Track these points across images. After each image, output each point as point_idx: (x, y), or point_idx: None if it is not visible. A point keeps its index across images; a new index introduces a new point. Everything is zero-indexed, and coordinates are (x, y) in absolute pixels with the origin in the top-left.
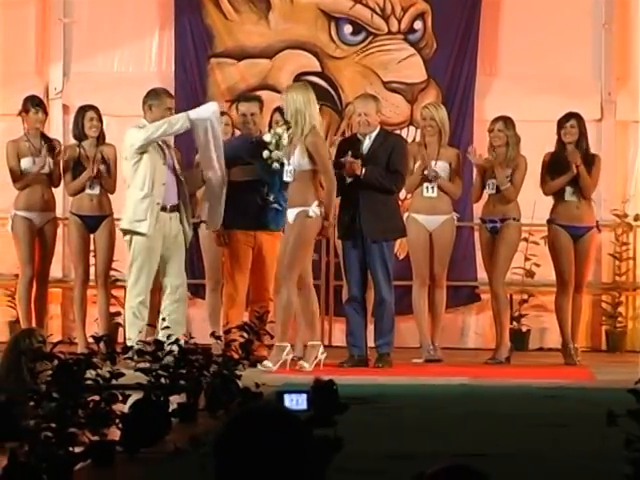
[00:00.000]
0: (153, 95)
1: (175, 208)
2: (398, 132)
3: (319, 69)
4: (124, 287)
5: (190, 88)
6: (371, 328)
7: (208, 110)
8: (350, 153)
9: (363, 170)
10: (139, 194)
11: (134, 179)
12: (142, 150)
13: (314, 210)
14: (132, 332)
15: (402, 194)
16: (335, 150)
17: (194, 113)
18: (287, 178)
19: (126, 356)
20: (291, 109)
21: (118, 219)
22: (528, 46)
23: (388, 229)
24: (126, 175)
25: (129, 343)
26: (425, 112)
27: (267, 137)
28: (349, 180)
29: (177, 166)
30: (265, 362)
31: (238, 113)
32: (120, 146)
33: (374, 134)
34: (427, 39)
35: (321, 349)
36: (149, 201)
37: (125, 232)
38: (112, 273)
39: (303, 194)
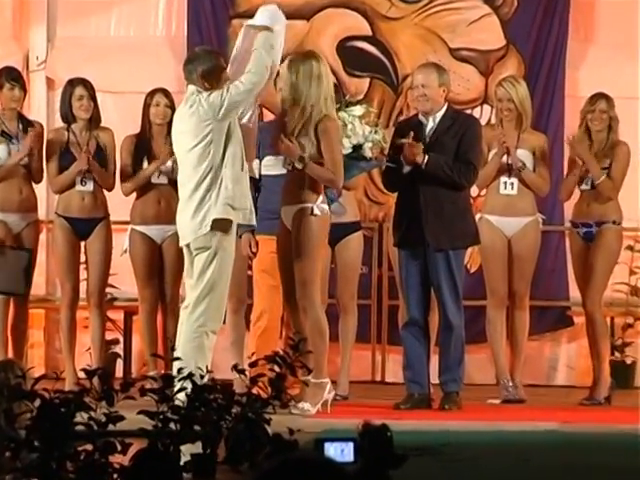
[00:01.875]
0: (202, 58)
1: None
2: (469, 112)
3: (369, 32)
4: (124, 308)
5: None
6: (435, 360)
7: (278, 16)
8: (411, 134)
9: (425, 158)
10: (239, 173)
11: (224, 158)
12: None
13: (320, 207)
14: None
15: (473, 190)
16: (391, 134)
17: (270, 20)
18: (281, 168)
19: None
20: (289, 89)
21: (117, 222)
22: (632, 5)
23: (457, 235)
24: (211, 152)
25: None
26: (500, 91)
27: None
28: (407, 169)
29: None
30: (301, 403)
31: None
32: (120, 128)
33: (440, 114)
34: None
35: (328, 387)
36: (248, 186)
37: (216, 224)
38: (108, 290)
39: (305, 188)
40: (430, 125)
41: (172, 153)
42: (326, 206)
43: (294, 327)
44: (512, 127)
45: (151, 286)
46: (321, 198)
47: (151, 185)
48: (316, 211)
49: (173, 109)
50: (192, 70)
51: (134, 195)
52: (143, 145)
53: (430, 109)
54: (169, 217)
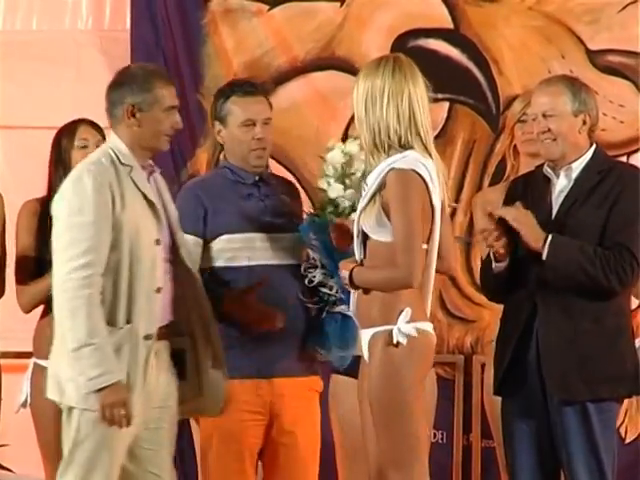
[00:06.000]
0: (136, 81)
1: (167, 331)
2: (626, 160)
3: (449, 24)
4: None
5: (164, 63)
6: None
7: None
8: (518, 205)
9: (546, 242)
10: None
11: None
12: None
13: (404, 329)
14: None
15: (634, 301)
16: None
17: None
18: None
19: None
20: (357, 115)
21: (9, 354)
22: None
23: (601, 375)
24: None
25: None
26: None
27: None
28: (499, 266)
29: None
30: None
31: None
32: (14, 189)
33: (579, 165)
34: None
35: None
36: (126, 330)
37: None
38: None
39: (379, 295)
40: (561, 184)
41: None
42: (421, 325)
43: None
44: None
45: None
46: (407, 311)
47: None
48: (398, 337)
49: None
50: (116, 101)
51: (40, 308)
52: None
53: (560, 156)
54: None
